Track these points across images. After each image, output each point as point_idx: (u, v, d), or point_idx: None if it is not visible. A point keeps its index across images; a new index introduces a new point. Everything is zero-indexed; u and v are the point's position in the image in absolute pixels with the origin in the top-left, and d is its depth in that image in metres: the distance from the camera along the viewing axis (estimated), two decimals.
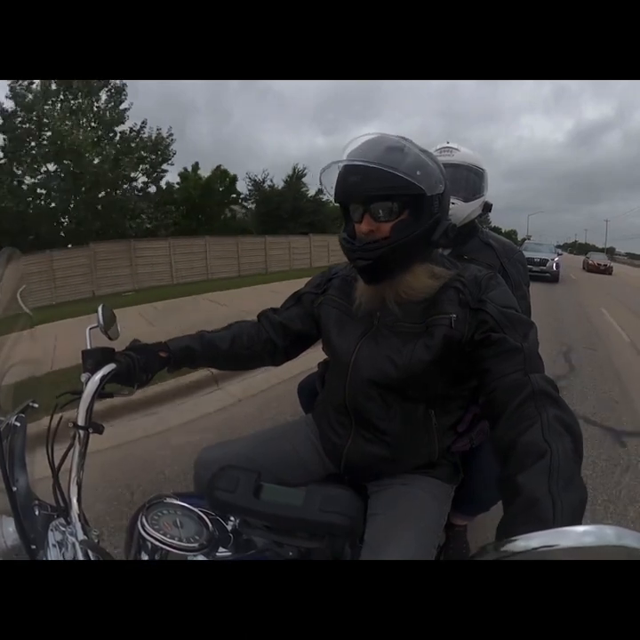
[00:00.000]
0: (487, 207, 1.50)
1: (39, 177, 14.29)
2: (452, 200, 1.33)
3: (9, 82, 12.90)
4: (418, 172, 0.76)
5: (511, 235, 41.64)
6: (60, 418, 0.73)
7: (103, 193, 15.01)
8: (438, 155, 1.39)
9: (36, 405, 0.69)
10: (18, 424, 0.65)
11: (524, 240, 23.32)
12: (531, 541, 0.31)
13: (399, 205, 0.78)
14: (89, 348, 0.78)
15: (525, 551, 0.31)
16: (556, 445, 0.56)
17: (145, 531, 0.68)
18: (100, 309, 0.83)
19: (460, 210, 1.40)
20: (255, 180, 19.52)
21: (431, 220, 0.81)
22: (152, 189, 16.60)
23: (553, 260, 12.41)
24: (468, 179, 1.46)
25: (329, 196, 0.85)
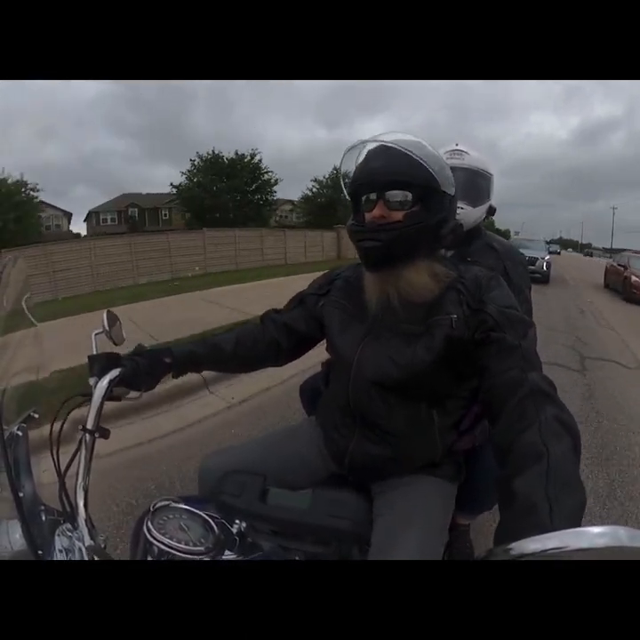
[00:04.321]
0: (491, 211, 1.49)
1: None
2: (460, 205, 1.31)
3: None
4: (436, 167, 0.80)
5: (506, 234, 41.48)
6: (63, 421, 0.73)
7: None
8: (448, 157, 1.37)
9: (37, 415, 0.69)
10: (20, 433, 0.65)
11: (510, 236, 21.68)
12: (542, 543, 0.31)
13: (414, 196, 0.80)
14: (95, 352, 0.78)
15: (536, 553, 0.30)
16: (554, 447, 0.56)
17: (151, 535, 0.68)
18: (104, 315, 0.83)
19: (467, 215, 1.38)
20: None
21: (441, 216, 0.82)
22: None
23: (543, 258, 11.38)
24: (478, 184, 1.44)
25: (343, 184, 0.88)
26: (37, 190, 16.80)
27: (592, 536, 0.29)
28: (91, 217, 27.76)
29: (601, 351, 4.62)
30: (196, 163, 19.40)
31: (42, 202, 18.20)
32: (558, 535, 0.30)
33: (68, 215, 27.25)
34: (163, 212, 26.22)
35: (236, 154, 19.74)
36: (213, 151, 19.47)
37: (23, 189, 16.22)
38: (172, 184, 19.93)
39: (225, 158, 19.52)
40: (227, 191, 19.10)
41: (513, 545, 0.32)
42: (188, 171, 19.45)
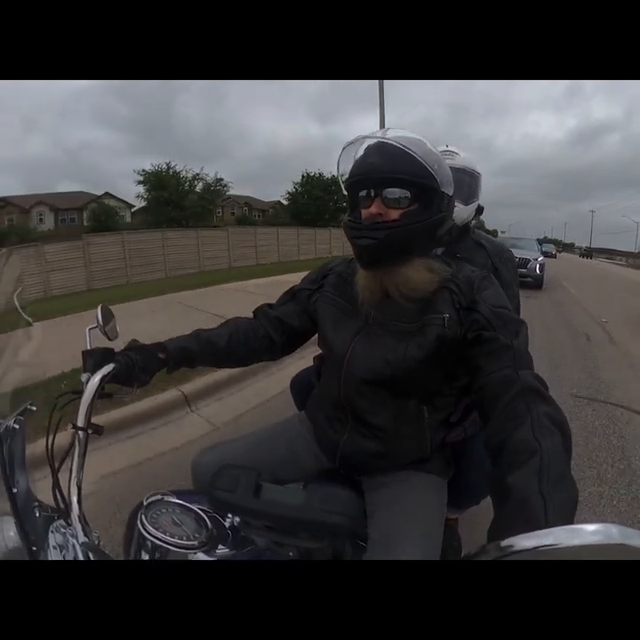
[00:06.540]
0: (479, 210, 1.55)
1: None
2: None
3: None
4: (436, 166, 0.79)
5: (493, 234, 41.87)
6: (60, 418, 0.72)
7: None
8: None
9: (34, 408, 0.69)
10: (17, 426, 0.64)
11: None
12: (535, 540, 0.31)
13: (412, 195, 0.80)
14: (89, 348, 0.77)
15: (528, 550, 0.30)
16: (546, 444, 0.57)
17: (145, 529, 0.68)
18: (99, 309, 0.82)
19: (459, 214, 1.40)
20: None
21: (439, 216, 0.82)
22: None
23: (536, 259, 9.89)
24: (468, 183, 1.50)
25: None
26: (229, 187, 24.24)
27: (585, 533, 0.29)
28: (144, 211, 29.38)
29: None
30: (303, 178, 27.87)
31: (107, 193, 24.16)
32: (551, 532, 0.30)
33: (131, 207, 29.77)
34: (216, 211, 31.66)
35: (332, 175, 25.16)
36: (318, 171, 27.67)
37: (218, 184, 23.27)
38: (288, 191, 28.51)
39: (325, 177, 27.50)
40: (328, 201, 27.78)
41: (506, 541, 0.32)
42: (298, 183, 27.90)
